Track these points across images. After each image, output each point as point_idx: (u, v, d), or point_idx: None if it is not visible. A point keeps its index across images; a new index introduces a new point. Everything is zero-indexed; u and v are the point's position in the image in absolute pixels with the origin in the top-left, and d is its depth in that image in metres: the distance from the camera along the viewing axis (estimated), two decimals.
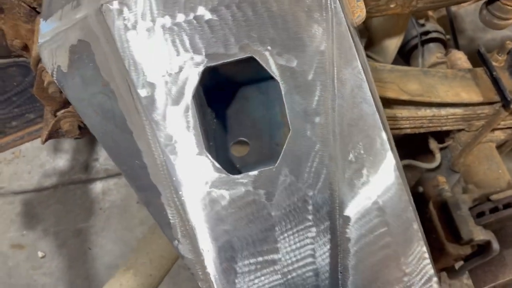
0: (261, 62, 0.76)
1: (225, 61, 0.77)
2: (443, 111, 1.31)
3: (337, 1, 0.77)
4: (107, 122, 0.80)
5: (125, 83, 0.79)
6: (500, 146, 1.57)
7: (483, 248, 1.27)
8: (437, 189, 1.35)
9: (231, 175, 0.75)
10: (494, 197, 1.27)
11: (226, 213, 0.75)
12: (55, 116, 1.02)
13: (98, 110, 0.81)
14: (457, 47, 1.85)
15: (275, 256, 0.75)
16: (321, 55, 0.77)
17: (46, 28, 0.84)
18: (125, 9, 0.77)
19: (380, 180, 0.74)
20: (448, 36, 1.84)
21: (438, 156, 1.54)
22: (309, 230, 0.73)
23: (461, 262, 1.37)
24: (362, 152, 0.75)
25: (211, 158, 0.75)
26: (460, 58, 1.59)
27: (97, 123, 0.81)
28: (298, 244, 0.74)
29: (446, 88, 1.28)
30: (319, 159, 0.74)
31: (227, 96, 0.92)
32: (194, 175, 0.76)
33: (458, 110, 1.32)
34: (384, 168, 0.75)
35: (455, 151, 1.57)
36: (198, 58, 0.77)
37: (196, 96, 0.77)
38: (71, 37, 0.82)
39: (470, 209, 1.29)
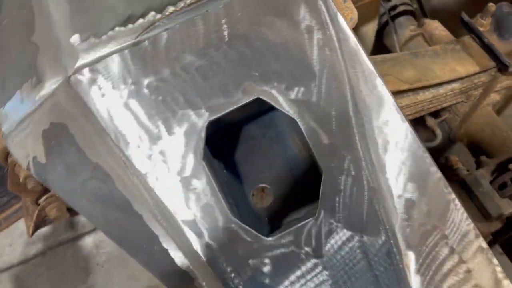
0: (270, 102, 0.66)
1: (228, 110, 0.66)
2: (442, 90, 1.24)
3: (337, 13, 0.67)
4: (109, 210, 0.68)
5: (119, 161, 0.67)
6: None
7: None
8: (451, 169, 1.29)
9: (267, 238, 0.65)
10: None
11: (273, 282, 0.65)
12: (38, 204, 0.88)
13: (94, 198, 0.68)
14: (425, 15, 1.80)
15: None
16: (335, 79, 0.67)
17: (7, 115, 0.71)
18: (99, 77, 0.65)
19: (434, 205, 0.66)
20: (414, 6, 1.78)
21: (438, 132, 1.49)
22: (374, 279, 0.64)
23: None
24: (406, 176, 0.66)
25: (242, 225, 0.64)
26: (436, 27, 1.53)
27: (96, 213, 0.69)
28: None
29: (440, 66, 1.21)
30: (366, 198, 0.65)
31: (230, 140, 0.82)
32: (228, 249, 0.65)
33: (456, 85, 1.26)
34: (434, 189, 0.67)
35: (454, 123, 1.51)
36: (198, 114, 0.66)
37: (204, 158, 0.66)
38: (41, 121, 0.69)
39: (491, 182, 1.24)
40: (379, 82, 0.67)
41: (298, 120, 0.66)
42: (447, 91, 1.24)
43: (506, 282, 0.68)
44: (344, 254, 0.64)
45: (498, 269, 0.70)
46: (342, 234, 0.65)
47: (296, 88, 0.67)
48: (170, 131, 0.65)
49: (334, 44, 0.67)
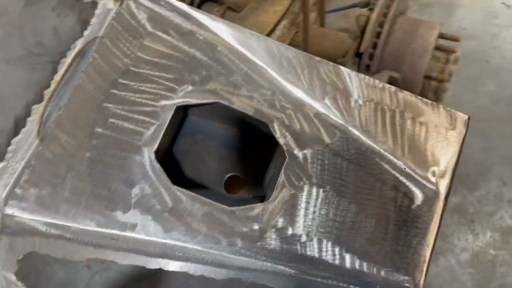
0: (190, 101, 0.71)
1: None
2: (278, 32, 1.40)
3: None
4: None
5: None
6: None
7: None
8: None
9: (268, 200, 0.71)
10: (362, 48, 1.45)
11: (292, 223, 0.71)
12: None
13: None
14: None
15: None
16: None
17: None
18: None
19: None
20: None
21: None
22: (355, 166, 0.74)
23: None
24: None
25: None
26: None
27: None
28: None
29: (264, 15, 1.37)
30: None
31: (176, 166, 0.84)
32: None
33: (285, 21, 1.43)
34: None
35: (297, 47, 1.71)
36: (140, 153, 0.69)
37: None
38: None
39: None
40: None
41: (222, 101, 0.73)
42: (282, 30, 1.41)
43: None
44: (326, 167, 0.73)
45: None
46: (314, 152, 0.73)
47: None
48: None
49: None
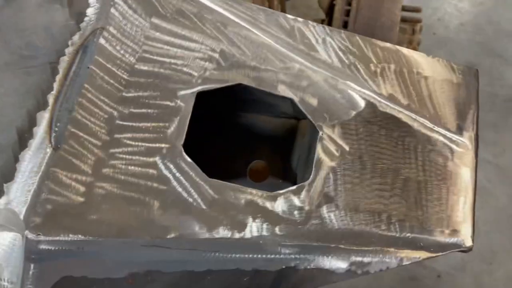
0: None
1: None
2: None
3: None
4: None
5: None
6: None
7: None
8: None
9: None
10: None
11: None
12: None
13: None
14: None
15: None
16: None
17: None
18: None
19: None
20: None
21: None
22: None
23: None
24: None
25: None
26: None
27: None
28: None
29: None
30: None
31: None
32: None
33: None
34: None
35: None
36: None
37: None
38: None
39: None
40: None
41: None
42: None
43: None
44: (359, 136, 0.70)
45: None
46: (344, 123, 0.70)
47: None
48: None
49: None
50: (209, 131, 0.79)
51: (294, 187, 0.66)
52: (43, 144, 0.59)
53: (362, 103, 0.72)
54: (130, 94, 0.62)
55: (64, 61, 0.63)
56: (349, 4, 1.49)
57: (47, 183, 0.57)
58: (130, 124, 0.62)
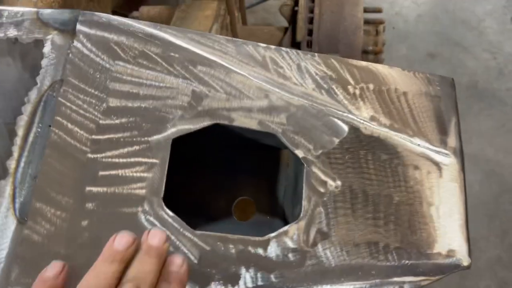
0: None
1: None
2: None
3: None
4: None
5: None
6: None
7: None
8: None
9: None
10: (299, 37, 1.42)
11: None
12: None
13: None
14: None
15: None
16: None
17: None
18: None
19: None
20: None
21: None
22: None
23: None
24: None
25: None
26: (148, 11, 1.58)
27: None
28: None
29: (195, 24, 1.28)
30: None
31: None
32: None
33: (216, 26, 1.35)
34: None
35: None
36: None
37: None
38: None
39: None
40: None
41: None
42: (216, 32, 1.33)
43: None
44: (346, 164, 0.67)
45: None
46: (330, 152, 0.67)
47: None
48: None
49: None
50: (190, 170, 0.74)
51: (285, 228, 0.62)
52: (8, 219, 0.53)
53: (345, 128, 0.69)
54: (97, 155, 0.57)
55: (22, 121, 0.57)
56: (312, 11, 1.47)
57: (15, 263, 0.51)
58: (102, 189, 0.56)
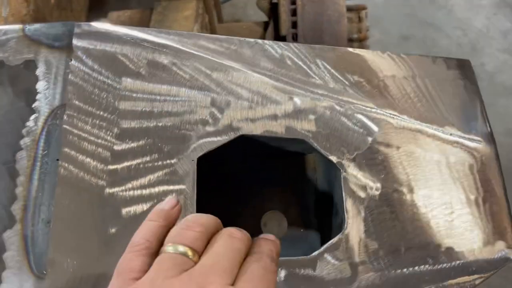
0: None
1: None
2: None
3: None
4: None
5: None
6: None
7: None
8: None
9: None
10: (283, 31, 1.36)
11: None
12: None
13: None
14: None
15: None
16: None
17: None
18: None
19: None
20: None
21: None
22: None
23: None
24: None
25: None
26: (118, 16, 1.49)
27: None
28: None
29: (176, 24, 1.20)
30: None
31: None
32: None
33: (196, 26, 1.27)
34: None
35: None
36: None
37: None
38: None
39: None
40: None
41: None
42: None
43: None
44: (384, 164, 0.62)
45: None
46: (364, 153, 0.62)
47: None
48: None
49: None
50: (216, 183, 0.67)
51: (331, 243, 0.56)
52: (23, 274, 0.45)
53: (376, 126, 0.64)
54: (117, 188, 0.49)
55: (23, 157, 0.48)
56: (294, 3, 1.41)
57: None
58: (126, 229, 0.49)
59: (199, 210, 0.53)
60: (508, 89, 2.27)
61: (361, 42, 1.53)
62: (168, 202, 0.40)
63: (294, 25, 1.40)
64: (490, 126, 0.71)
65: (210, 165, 0.61)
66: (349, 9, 1.52)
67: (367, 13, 1.56)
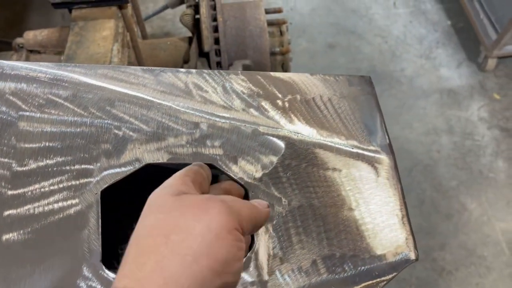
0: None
1: None
2: (116, 60, 1.23)
3: None
4: None
5: None
6: None
7: None
8: None
9: None
10: (206, 47, 1.38)
11: None
12: None
13: None
14: None
15: None
16: None
17: None
18: None
19: None
20: None
21: None
22: None
23: None
24: None
25: None
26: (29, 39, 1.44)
27: None
28: None
29: (94, 45, 1.18)
30: None
31: None
32: None
33: (117, 45, 1.26)
34: None
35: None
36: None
37: None
38: None
39: None
40: None
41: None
42: (118, 56, 1.24)
43: None
44: (290, 181, 0.65)
45: None
46: (271, 173, 0.65)
47: None
48: None
49: None
50: (121, 214, 0.67)
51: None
52: None
53: (282, 145, 0.67)
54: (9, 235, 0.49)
55: None
56: (215, 19, 1.43)
57: None
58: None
59: (104, 242, 0.53)
60: (425, 92, 2.43)
61: (283, 55, 1.58)
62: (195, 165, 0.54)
63: (217, 41, 1.43)
64: (389, 138, 0.77)
65: (118, 197, 0.61)
66: (270, 23, 1.57)
67: (288, 27, 1.62)
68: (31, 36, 1.48)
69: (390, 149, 0.76)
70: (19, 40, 1.52)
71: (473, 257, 1.99)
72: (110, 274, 0.51)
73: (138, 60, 1.51)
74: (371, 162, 0.73)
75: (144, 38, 1.80)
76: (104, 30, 1.24)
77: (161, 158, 0.59)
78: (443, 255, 2.00)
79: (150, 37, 2.12)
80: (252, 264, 0.59)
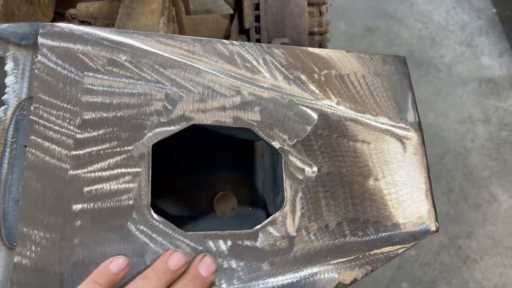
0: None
1: None
2: (161, 33, 1.30)
3: None
4: None
5: None
6: None
7: None
8: None
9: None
10: (247, 24, 1.42)
11: None
12: None
13: None
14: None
15: None
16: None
17: None
18: None
19: None
20: None
21: None
22: None
23: None
24: None
25: None
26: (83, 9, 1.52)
27: None
28: None
29: (143, 17, 1.25)
30: None
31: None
32: None
33: (163, 19, 1.33)
34: None
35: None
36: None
37: None
38: None
39: None
40: None
41: None
42: (163, 29, 1.31)
43: None
44: (321, 149, 0.70)
45: None
46: (304, 140, 0.70)
47: None
48: None
49: None
50: (167, 170, 0.74)
51: (271, 218, 0.65)
52: None
53: (315, 116, 0.72)
54: (79, 171, 0.56)
55: None
56: None
57: None
58: (88, 205, 0.56)
59: (154, 193, 0.60)
60: (463, 80, 2.40)
61: (322, 35, 1.61)
62: (117, 264, 0.48)
63: (257, 18, 1.47)
64: (419, 116, 0.81)
65: (166, 153, 0.68)
66: (310, 3, 1.60)
67: (327, 8, 1.64)
68: (83, 7, 1.57)
69: (419, 127, 0.79)
70: (72, 11, 1.61)
71: (499, 247, 1.99)
72: (158, 218, 0.59)
73: (181, 34, 1.57)
74: (400, 138, 0.77)
75: (188, 14, 1.86)
76: (152, 3, 1.31)
77: (206, 119, 0.65)
78: (468, 243, 2.01)
79: (193, 14, 2.18)
80: (281, 220, 0.65)
